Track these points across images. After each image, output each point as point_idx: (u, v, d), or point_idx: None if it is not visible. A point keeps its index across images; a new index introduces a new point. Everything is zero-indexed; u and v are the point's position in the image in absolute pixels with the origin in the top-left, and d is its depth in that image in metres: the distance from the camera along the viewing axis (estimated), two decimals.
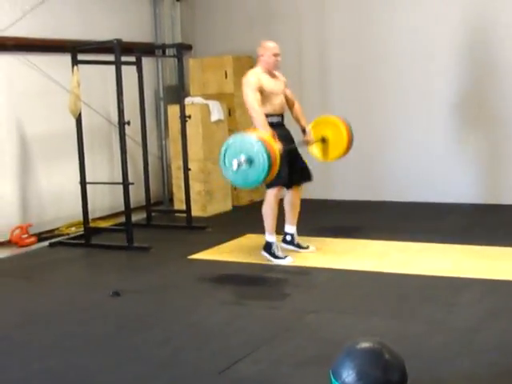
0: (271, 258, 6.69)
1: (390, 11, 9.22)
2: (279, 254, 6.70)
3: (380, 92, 9.37)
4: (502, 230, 7.59)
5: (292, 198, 6.95)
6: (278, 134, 6.53)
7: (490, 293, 5.50)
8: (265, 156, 5.88)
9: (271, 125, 6.59)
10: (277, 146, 6.09)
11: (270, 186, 6.62)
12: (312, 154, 7.30)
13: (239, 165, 5.92)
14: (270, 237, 6.75)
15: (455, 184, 9.05)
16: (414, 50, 9.11)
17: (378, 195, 9.44)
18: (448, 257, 6.62)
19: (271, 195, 6.67)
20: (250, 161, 5.91)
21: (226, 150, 6.06)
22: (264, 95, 6.57)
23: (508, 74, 8.66)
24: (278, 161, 6.04)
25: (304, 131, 7.00)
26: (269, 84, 6.65)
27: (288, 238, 7.05)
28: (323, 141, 7.14)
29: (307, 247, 7.05)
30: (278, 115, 6.75)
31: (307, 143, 7.02)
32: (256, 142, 5.93)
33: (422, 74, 9.12)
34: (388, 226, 8.05)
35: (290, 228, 7.05)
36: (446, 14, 8.90)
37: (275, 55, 6.72)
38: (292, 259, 6.66)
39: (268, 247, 6.74)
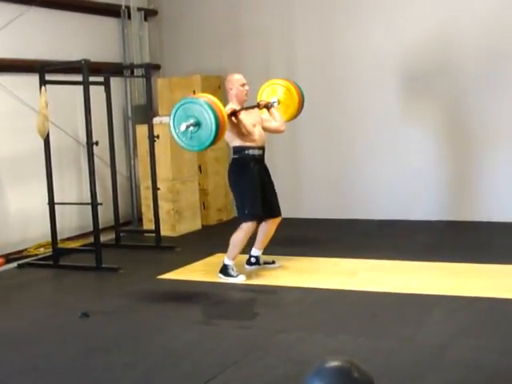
0: (223, 277, 6.77)
1: (356, 29, 9.33)
2: (232, 273, 6.77)
3: (347, 110, 9.44)
4: (470, 247, 7.66)
5: (268, 228, 6.98)
6: (260, 168, 6.70)
7: (459, 310, 5.54)
8: (210, 114, 5.95)
9: (253, 158, 6.67)
10: (223, 108, 6.19)
11: (246, 218, 6.67)
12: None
13: (187, 127, 5.99)
14: (229, 261, 6.81)
15: (422, 201, 9.13)
16: (382, 68, 9.21)
17: (346, 213, 9.48)
18: (416, 274, 6.66)
19: (246, 228, 6.69)
20: (197, 123, 6.00)
21: (174, 118, 6.14)
22: (241, 131, 6.60)
23: (488, 100, 8.79)
24: (225, 119, 6.14)
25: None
26: (245, 117, 6.63)
27: (253, 260, 7.12)
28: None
29: (273, 262, 7.15)
30: (259, 148, 6.75)
31: (259, 105, 7.00)
32: (200, 103, 6.01)
33: (390, 92, 9.21)
34: (356, 244, 8.10)
35: (257, 252, 7.11)
36: (412, 32, 9.03)
37: (243, 85, 6.77)
38: (244, 278, 6.73)
39: (225, 269, 6.81)
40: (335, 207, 9.53)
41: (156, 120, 9.13)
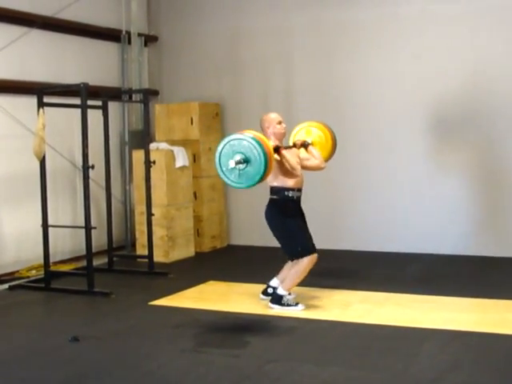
0: (278, 307, 6.61)
1: (352, 61, 9.40)
2: (290, 302, 6.65)
3: (340, 142, 9.38)
4: (463, 281, 7.66)
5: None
6: (294, 209, 6.66)
7: (451, 344, 5.52)
8: (259, 150, 5.86)
9: (292, 199, 6.63)
10: (269, 142, 6.13)
11: (301, 255, 6.57)
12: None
13: (236, 164, 5.89)
14: (284, 292, 6.67)
15: (416, 234, 9.13)
16: (378, 99, 9.28)
17: (339, 244, 9.47)
18: (409, 307, 6.64)
19: (309, 262, 6.58)
20: (246, 160, 5.90)
21: (220, 156, 6.02)
22: (284, 169, 6.55)
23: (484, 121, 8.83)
24: (272, 155, 6.06)
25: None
26: (287, 153, 6.57)
27: (270, 290, 6.92)
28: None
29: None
30: (298, 189, 6.69)
31: (296, 145, 6.95)
32: (248, 139, 5.92)
33: (386, 124, 9.27)
34: (349, 276, 8.08)
35: (277, 283, 6.90)
36: (403, 63, 9.14)
37: (279, 123, 6.67)
38: (304, 306, 6.63)
39: (279, 299, 6.65)
40: (328, 238, 9.46)
41: (153, 146, 9.14)
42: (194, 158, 9.64)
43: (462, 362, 5.12)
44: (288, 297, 6.68)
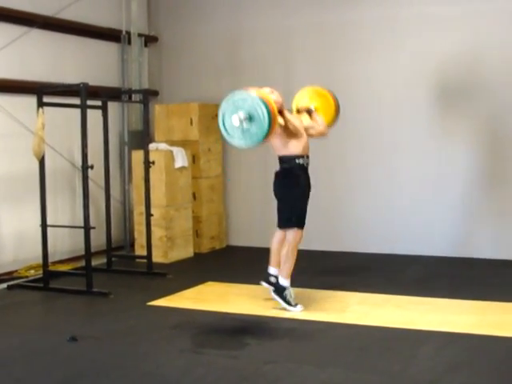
0: (280, 300, 6.62)
1: (352, 62, 9.41)
2: (291, 300, 6.63)
3: (340, 143, 9.42)
4: (461, 283, 7.65)
5: (284, 237, 6.81)
6: (307, 177, 6.70)
7: (449, 346, 5.51)
8: (262, 107, 5.83)
9: (302, 167, 6.64)
10: (271, 97, 6.10)
11: (291, 226, 6.61)
12: None
13: (240, 121, 5.86)
14: (286, 281, 6.65)
15: (415, 236, 9.12)
16: (379, 100, 9.29)
17: (339, 245, 9.47)
18: (407, 309, 6.64)
19: (297, 237, 6.62)
20: (250, 117, 5.86)
21: (223, 117, 6.00)
22: (288, 132, 6.54)
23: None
24: (276, 114, 6.02)
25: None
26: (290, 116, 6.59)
27: (273, 279, 6.87)
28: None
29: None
30: (306, 156, 6.70)
31: (300, 111, 7.01)
32: (252, 97, 5.88)
33: (384, 124, 9.27)
34: (348, 277, 8.07)
35: (275, 271, 6.89)
36: (404, 65, 9.15)
37: (272, 92, 6.61)
38: (302, 308, 6.62)
39: (282, 291, 6.64)
40: (328, 239, 9.51)
41: (152, 146, 9.14)
42: (194, 159, 9.64)
43: (460, 363, 5.12)
44: (290, 291, 6.63)
